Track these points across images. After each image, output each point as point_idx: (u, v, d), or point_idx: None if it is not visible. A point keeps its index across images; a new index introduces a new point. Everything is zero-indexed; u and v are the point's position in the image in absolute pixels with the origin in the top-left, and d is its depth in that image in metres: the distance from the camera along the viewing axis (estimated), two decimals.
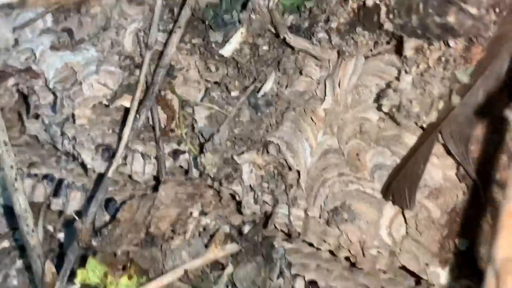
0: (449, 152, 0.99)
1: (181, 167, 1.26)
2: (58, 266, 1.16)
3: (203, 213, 1.22)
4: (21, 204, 1.15)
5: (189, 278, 1.15)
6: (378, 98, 1.02)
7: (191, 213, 1.16)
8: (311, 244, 1.14)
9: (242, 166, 1.16)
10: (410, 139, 1.02)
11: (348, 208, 1.07)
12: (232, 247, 1.18)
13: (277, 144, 1.13)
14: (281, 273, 1.19)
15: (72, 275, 1.14)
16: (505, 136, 0.86)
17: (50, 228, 1.35)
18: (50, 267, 1.12)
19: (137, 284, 1.13)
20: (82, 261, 1.16)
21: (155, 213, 1.15)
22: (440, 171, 1.00)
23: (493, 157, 0.90)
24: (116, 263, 1.12)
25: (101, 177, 1.21)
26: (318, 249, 1.14)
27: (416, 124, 0.98)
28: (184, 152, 1.24)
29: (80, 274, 1.11)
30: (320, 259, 1.18)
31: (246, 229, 1.25)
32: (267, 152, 1.15)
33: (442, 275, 1.03)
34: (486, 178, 0.93)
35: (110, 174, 1.14)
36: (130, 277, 1.12)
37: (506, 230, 0.61)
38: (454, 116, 0.93)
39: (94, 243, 1.13)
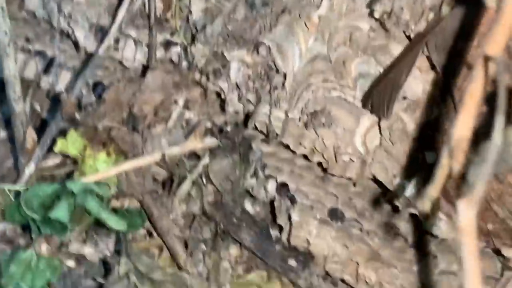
0: (433, 67, 1.01)
1: (171, 61, 1.28)
2: (40, 137, 1.19)
3: (187, 107, 1.25)
4: (10, 70, 1.16)
5: (166, 163, 1.18)
6: (371, 3, 1.03)
7: (175, 101, 1.19)
8: (287, 147, 1.17)
9: (231, 63, 1.18)
10: (397, 50, 1.04)
11: (327, 113, 1.10)
12: (211, 141, 1.21)
13: (268, 45, 1.15)
14: (255, 174, 1.22)
15: (53, 146, 1.17)
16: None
17: (38, 107, 1.38)
18: (31, 133, 1.14)
19: (114, 162, 1.15)
20: (63, 135, 1.19)
21: (140, 96, 1.17)
22: (421, 85, 1.03)
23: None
24: (97, 139, 1.15)
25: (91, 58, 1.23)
26: (293, 152, 1.17)
27: (405, 33, 1.00)
28: (176, 44, 1.25)
29: (60, 144, 1.13)
30: (294, 165, 1.21)
31: (228, 129, 1.28)
32: (257, 52, 1.17)
33: (408, 187, 1.07)
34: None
35: (101, 52, 1.16)
36: (108, 154, 1.15)
37: (466, 110, 0.64)
38: (441, 28, 0.95)
39: (77, 116, 1.16)
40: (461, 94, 0.92)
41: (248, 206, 1.25)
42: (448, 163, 0.66)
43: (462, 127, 0.64)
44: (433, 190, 0.67)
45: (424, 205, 0.66)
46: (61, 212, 1.04)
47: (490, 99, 0.67)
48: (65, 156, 1.18)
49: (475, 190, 0.59)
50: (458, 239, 0.59)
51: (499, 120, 0.61)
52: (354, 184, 1.19)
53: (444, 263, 1.14)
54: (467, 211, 0.59)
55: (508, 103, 0.65)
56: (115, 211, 1.12)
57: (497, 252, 1.08)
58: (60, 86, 1.32)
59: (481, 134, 0.66)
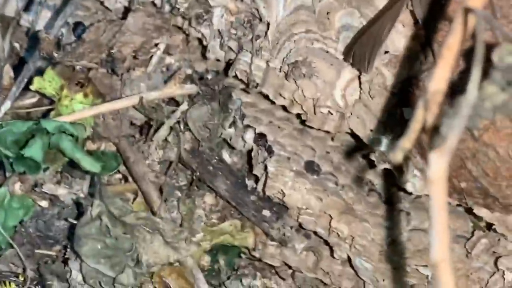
0: (416, 22, 1.00)
1: (153, 3, 1.26)
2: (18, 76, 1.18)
3: (168, 53, 1.24)
4: None
5: (144, 107, 1.17)
6: None
7: (156, 45, 1.17)
8: (267, 97, 1.16)
9: (214, 9, 1.16)
10: (381, 3, 1.03)
11: (308, 64, 1.09)
12: (190, 88, 1.20)
13: None
14: (233, 123, 1.21)
15: (30, 84, 1.15)
16: None
17: (17, 45, 1.36)
18: (8, 70, 1.13)
19: (91, 103, 1.14)
20: (41, 74, 1.17)
21: (120, 37, 1.16)
22: (404, 40, 1.02)
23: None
24: (74, 79, 1.14)
25: None
26: (273, 103, 1.16)
27: None
28: None
29: (37, 82, 1.12)
30: (273, 116, 1.21)
31: (208, 76, 1.27)
32: None
33: (384, 142, 1.07)
34: None
35: None
36: (85, 95, 1.14)
37: (443, 63, 0.63)
38: None
39: (55, 55, 1.14)
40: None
41: (225, 155, 1.24)
42: (423, 115, 0.66)
43: (438, 80, 0.64)
44: (406, 142, 0.67)
45: (396, 156, 0.65)
46: (34, 150, 1.04)
47: (468, 55, 0.66)
48: (42, 95, 1.17)
49: (447, 142, 0.59)
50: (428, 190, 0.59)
51: (475, 74, 0.61)
52: (332, 138, 1.19)
53: (416, 220, 1.15)
54: (438, 162, 0.59)
55: (486, 58, 0.65)
56: (90, 153, 1.12)
57: (469, 211, 1.09)
58: (40, 25, 1.30)
59: (458, 90, 0.66)
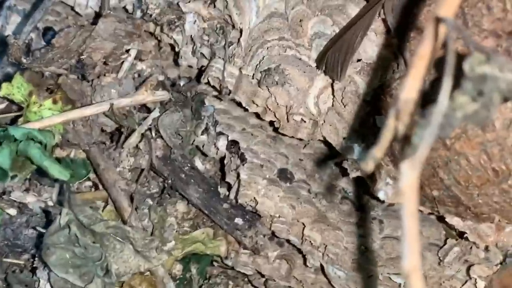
0: (388, 30, 1.00)
1: (125, 9, 1.24)
2: None
3: (140, 59, 1.22)
4: None
5: (114, 114, 1.16)
6: None
7: (127, 51, 1.16)
8: (240, 105, 1.16)
9: (186, 15, 1.15)
10: (354, 11, 1.03)
11: (281, 71, 1.08)
12: (162, 94, 1.19)
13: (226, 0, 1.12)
14: (206, 130, 1.20)
15: None
16: None
17: None
18: None
19: (61, 110, 1.12)
20: (9, 80, 1.15)
21: (91, 43, 1.14)
22: (376, 48, 1.02)
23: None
24: (43, 85, 1.12)
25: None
26: (246, 110, 1.15)
27: None
28: None
29: (5, 88, 1.10)
30: (247, 123, 1.20)
31: (181, 83, 1.26)
32: (214, 5, 1.14)
33: (356, 150, 1.06)
34: None
35: None
36: (55, 102, 1.12)
37: (414, 72, 0.63)
38: None
39: (24, 60, 1.12)
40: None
41: (198, 162, 1.23)
42: (394, 125, 0.65)
43: (409, 89, 0.63)
44: (378, 151, 0.66)
45: (367, 166, 0.65)
46: (2, 157, 1.01)
47: (440, 64, 0.66)
48: (10, 101, 1.15)
49: (418, 152, 0.59)
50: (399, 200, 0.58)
51: (446, 83, 0.60)
52: (305, 146, 1.18)
53: (389, 228, 1.14)
54: (409, 172, 0.59)
55: (457, 68, 0.65)
56: (59, 160, 1.10)
57: (441, 219, 1.09)
58: (9, 30, 1.28)
59: (430, 99, 0.66)
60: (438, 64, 0.67)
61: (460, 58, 0.65)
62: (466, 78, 0.64)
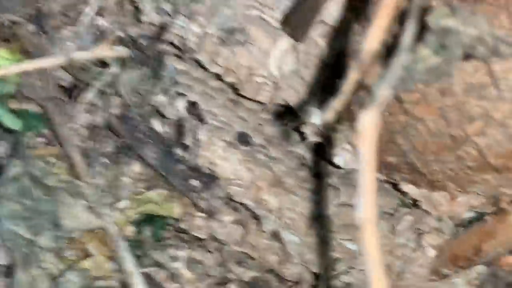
0: None
1: None
2: None
3: (101, 15, 1.20)
4: None
5: (72, 68, 1.13)
6: None
7: (87, 3, 1.13)
8: (201, 66, 1.14)
9: None
10: None
11: (244, 30, 1.07)
12: (122, 50, 1.17)
13: None
14: (165, 90, 1.18)
15: None
16: None
17: None
18: None
19: (17, 60, 1.09)
20: None
21: None
22: (340, 10, 1.01)
23: None
24: None
25: None
26: (207, 71, 1.14)
27: None
28: None
29: None
30: (207, 85, 1.18)
31: (141, 41, 1.23)
32: None
33: (316, 114, 1.06)
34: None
35: None
36: (11, 52, 1.09)
37: (377, 23, 0.63)
38: None
39: None
40: None
41: (155, 123, 1.22)
42: (356, 77, 0.65)
43: (372, 40, 0.63)
44: (338, 102, 0.66)
45: (327, 116, 0.65)
46: None
47: (404, 17, 0.66)
48: None
49: (377, 100, 0.59)
50: (357, 147, 0.58)
51: (408, 33, 0.60)
52: (265, 110, 1.18)
53: (345, 196, 1.15)
54: (367, 120, 0.59)
55: (421, 21, 0.65)
56: (13, 111, 1.07)
57: (396, 187, 1.10)
58: None
59: (392, 53, 0.65)
60: (402, 17, 0.67)
61: (424, 11, 0.65)
62: (429, 31, 0.64)
